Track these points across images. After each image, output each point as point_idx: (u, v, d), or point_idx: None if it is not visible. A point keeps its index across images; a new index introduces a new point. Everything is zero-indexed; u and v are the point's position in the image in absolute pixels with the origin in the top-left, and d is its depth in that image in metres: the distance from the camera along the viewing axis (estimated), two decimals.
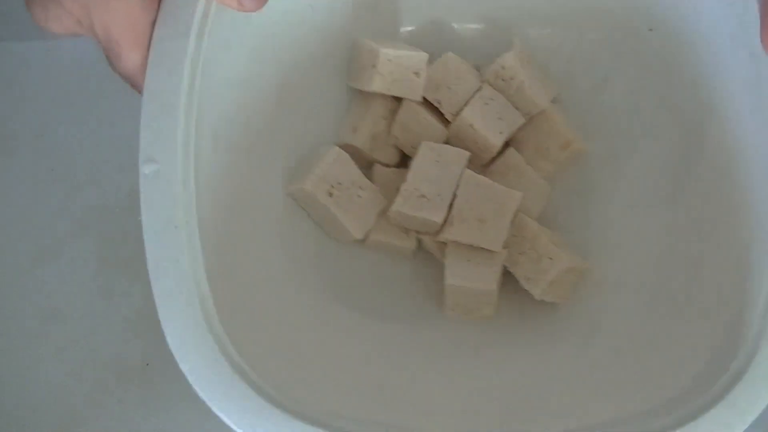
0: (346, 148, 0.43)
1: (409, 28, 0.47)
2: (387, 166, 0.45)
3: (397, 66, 0.43)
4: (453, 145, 0.43)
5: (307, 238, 0.42)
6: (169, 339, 0.30)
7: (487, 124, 0.43)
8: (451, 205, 0.41)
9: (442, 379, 0.38)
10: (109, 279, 0.49)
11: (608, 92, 0.45)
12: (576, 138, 0.44)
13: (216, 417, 0.45)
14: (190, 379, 0.30)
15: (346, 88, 0.46)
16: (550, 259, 0.40)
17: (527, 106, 0.44)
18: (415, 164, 0.41)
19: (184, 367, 0.30)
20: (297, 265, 0.40)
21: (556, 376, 0.38)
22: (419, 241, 0.43)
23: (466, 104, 0.43)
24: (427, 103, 0.45)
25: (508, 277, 0.42)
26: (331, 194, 0.41)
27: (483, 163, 0.44)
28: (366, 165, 0.44)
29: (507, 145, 0.45)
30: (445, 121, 0.45)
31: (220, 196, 0.36)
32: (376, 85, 0.43)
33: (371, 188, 0.42)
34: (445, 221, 0.41)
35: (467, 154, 0.42)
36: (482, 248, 0.40)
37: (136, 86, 0.37)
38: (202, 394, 0.30)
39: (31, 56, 0.54)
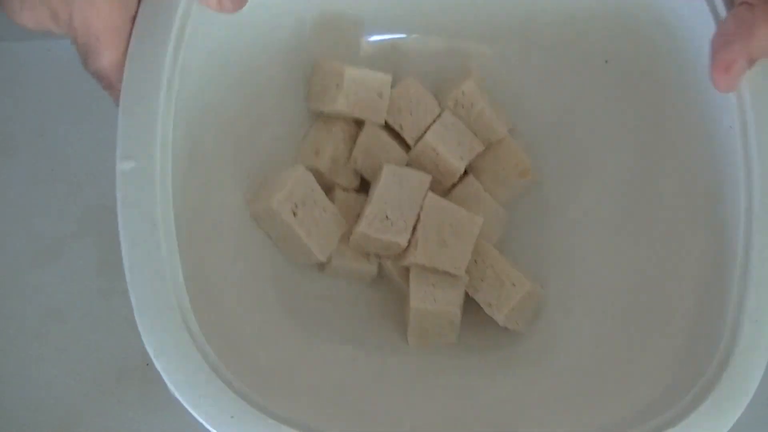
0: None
1: (368, 53, 0.47)
2: (347, 190, 0.45)
3: (361, 86, 0.43)
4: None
5: (267, 256, 0.41)
6: (144, 337, 0.31)
7: (450, 148, 0.43)
8: (414, 229, 0.41)
9: (407, 404, 0.38)
10: (109, 279, 0.49)
11: (564, 121, 0.46)
12: (531, 167, 0.45)
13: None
14: (164, 375, 0.30)
15: (306, 111, 0.46)
16: (513, 285, 0.40)
17: (486, 134, 0.45)
18: (380, 187, 0.41)
19: (159, 365, 0.30)
20: (258, 283, 0.40)
21: (521, 398, 0.38)
22: (380, 266, 0.43)
23: (427, 129, 0.44)
24: (388, 127, 0.45)
25: (467, 304, 0.42)
26: (295, 213, 0.40)
27: (444, 189, 0.44)
28: (327, 189, 0.43)
29: (466, 172, 0.45)
30: (406, 146, 0.45)
31: (191, 200, 0.35)
32: (340, 104, 0.43)
33: (333, 210, 0.42)
34: (408, 244, 0.41)
35: (430, 177, 0.42)
36: (445, 272, 0.40)
37: (110, 85, 0.36)
38: (174, 390, 0.30)
39: (31, 56, 0.54)
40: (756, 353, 0.32)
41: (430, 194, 0.41)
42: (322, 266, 0.43)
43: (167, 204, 0.32)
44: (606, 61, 0.44)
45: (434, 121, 0.44)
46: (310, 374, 0.38)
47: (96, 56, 0.35)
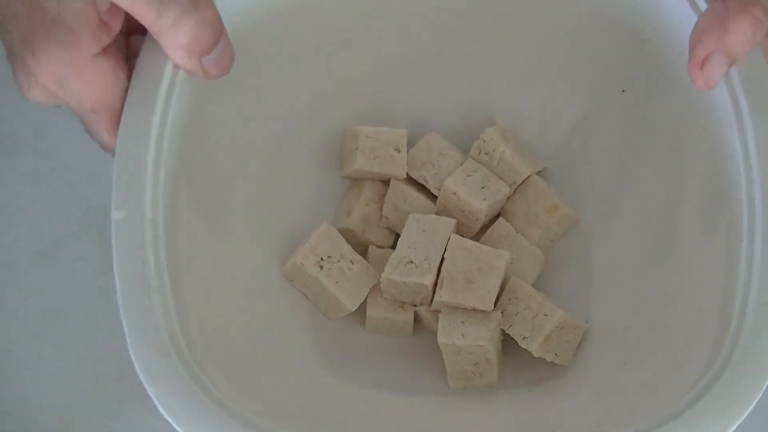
0: (343, 232, 0.44)
1: (391, 112, 0.49)
2: (381, 247, 0.46)
3: (377, 141, 0.45)
4: None
5: (303, 313, 0.44)
6: (136, 364, 0.33)
7: (471, 191, 0.44)
8: (439, 271, 0.42)
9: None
10: (109, 279, 0.48)
11: (590, 158, 0.46)
12: (563, 202, 0.45)
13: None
14: (156, 400, 0.33)
15: (341, 181, 0.48)
16: (545, 315, 0.41)
17: (511, 176, 0.45)
18: (404, 234, 0.42)
19: (151, 390, 0.33)
20: (293, 337, 0.42)
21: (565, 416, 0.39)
22: (417, 316, 0.44)
23: (451, 177, 0.45)
24: (413, 182, 0.46)
25: (512, 348, 0.42)
26: (321, 267, 0.42)
27: (472, 233, 0.45)
28: (362, 249, 0.45)
29: (497, 217, 0.46)
30: (433, 198, 0.46)
31: (200, 246, 0.39)
32: (360, 162, 0.44)
33: (361, 262, 0.43)
34: (435, 285, 0.42)
35: (453, 221, 0.43)
36: (475, 310, 0.41)
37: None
38: (166, 414, 0.33)
39: None
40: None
41: (454, 236, 0.42)
42: (359, 322, 0.44)
43: (159, 245, 0.35)
44: (623, 90, 0.45)
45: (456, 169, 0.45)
46: (331, 406, 0.39)
47: (95, 130, 0.37)
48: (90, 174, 0.51)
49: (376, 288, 0.43)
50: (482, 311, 0.41)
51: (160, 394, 0.33)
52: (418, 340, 0.44)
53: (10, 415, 0.46)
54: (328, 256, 0.42)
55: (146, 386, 0.33)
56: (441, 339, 0.40)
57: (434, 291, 0.42)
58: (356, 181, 0.47)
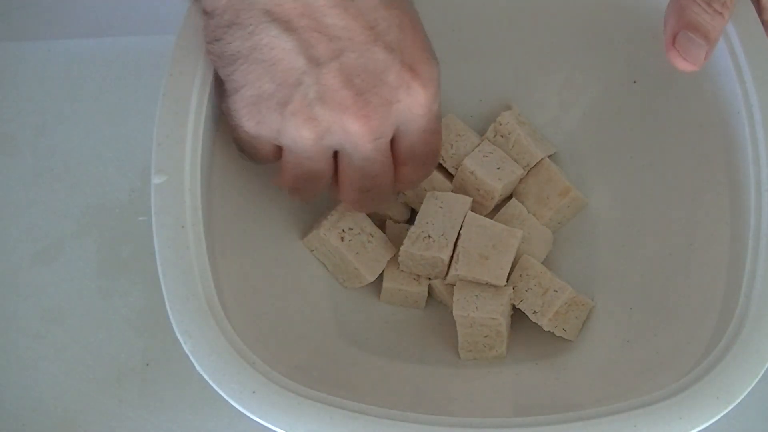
0: None
1: None
2: (398, 222, 0.47)
3: None
4: None
5: (321, 282, 0.45)
6: (175, 325, 0.34)
7: (487, 171, 0.45)
8: (455, 246, 0.43)
9: (448, 398, 0.41)
10: (109, 279, 0.49)
11: (600, 145, 0.48)
12: (573, 186, 0.47)
13: (217, 417, 0.45)
14: (191, 356, 0.33)
15: None
16: (555, 291, 0.43)
17: (525, 159, 0.47)
18: (421, 211, 0.44)
19: (186, 347, 0.34)
20: (313, 305, 0.44)
21: (573, 388, 0.40)
22: (430, 289, 0.45)
23: (468, 156, 0.46)
24: None
25: (518, 323, 0.44)
26: (342, 239, 0.44)
27: (486, 212, 0.46)
28: (379, 223, 0.46)
29: (510, 197, 0.47)
30: (449, 176, 0.47)
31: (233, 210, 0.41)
32: None
33: (380, 235, 0.45)
34: (450, 260, 0.43)
35: (470, 199, 0.45)
36: (488, 285, 0.42)
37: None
38: (199, 368, 0.33)
39: (31, 56, 0.54)
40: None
41: (470, 213, 0.44)
42: (375, 293, 0.46)
43: (197, 209, 0.36)
44: (634, 82, 0.46)
45: (473, 149, 0.47)
46: (346, 372, 0.41)
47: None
48: (90, 174, 0.51)
49: (393, 260, 0.45)
50: (495, 286, 0.42)
51: (197, 353, 0.33)
52: (430, 312, 0.46)
53: (10, 415, 0.46)
54: (350, 229, 0.44)
55: (184, 346, 0.33)
56: (456, 311, 0.42)
57: (449, 265, 0.43)
58: None
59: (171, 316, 0.34)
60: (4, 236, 0.50)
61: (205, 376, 0.33)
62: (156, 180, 0.36)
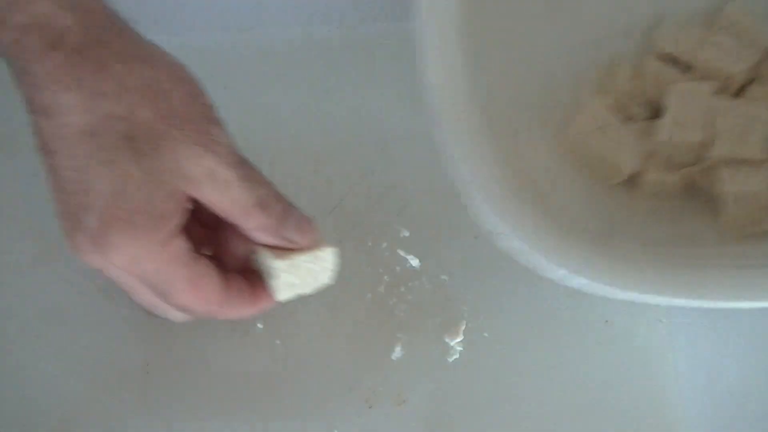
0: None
1: None
2: (645, 119, 0.49)
3: None
4: None
5: (580, 179, 0.48)
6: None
7: (723, 57, 0.47)
8: (707, 130, 0.45)
9: None
10: (109, 279, 0.48)
11: None
12: None
13: (216, 417, 0.45)
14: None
15: None
16: None
17: (761, 41, 0.48)
18: (670, 102, 0.46)
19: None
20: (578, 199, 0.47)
21: None
22: (685, 178, 0.47)
23: (700, 48, 0.48)
24: (664, 60, 0.49)
25: None
26: (596, 137, 0.46)
27: (731, 94, 0.48)
28: (623, 120, 0.48)
29: (752, 81, 0.49)
30: (687, 69, 0.49)
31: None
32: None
33: (632, 130, 0.47)
34: (704, 144, 0.45)
35: (715, 83, 0.46)
36: (748, 161, 0.44)
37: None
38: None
39: None
40: None
41: (717, 95, 0.45)
42: (633, 186, 0.47)
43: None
44: None
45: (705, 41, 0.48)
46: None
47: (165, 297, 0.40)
48: None
49: (647, 154, 0.47)
50: (754, 161, 0.44)
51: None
52: (685, 201, 0.47)
53: (10, 415, 0.45)
54: (602, 128, 0.47)
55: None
56: (726, 188, 0.43)
57: (704, 149, 0.45)
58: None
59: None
60: (4, 236, 0.50)
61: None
62: None
